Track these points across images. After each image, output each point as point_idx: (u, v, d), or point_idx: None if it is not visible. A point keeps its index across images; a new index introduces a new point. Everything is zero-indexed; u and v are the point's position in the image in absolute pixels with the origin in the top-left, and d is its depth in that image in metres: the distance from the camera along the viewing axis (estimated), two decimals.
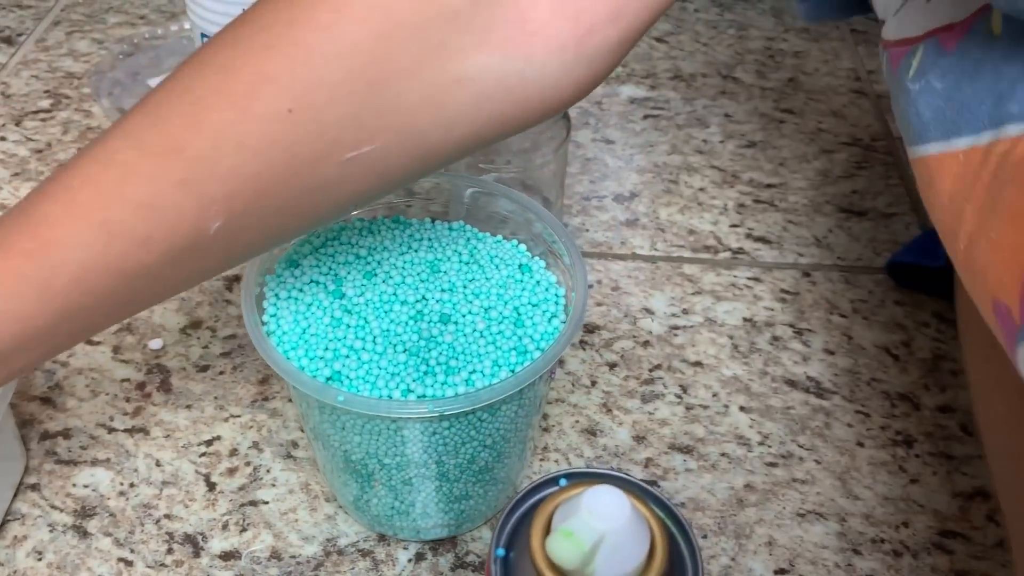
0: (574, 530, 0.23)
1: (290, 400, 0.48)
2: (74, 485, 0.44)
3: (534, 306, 0.39)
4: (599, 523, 0.23)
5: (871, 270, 0.56)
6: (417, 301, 0.38)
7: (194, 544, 0.42)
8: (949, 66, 0.34)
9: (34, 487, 0.43)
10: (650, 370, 0.50)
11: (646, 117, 0.68)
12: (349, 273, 0.39)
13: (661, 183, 0.63)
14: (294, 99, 0.29)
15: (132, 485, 0.44)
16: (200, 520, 0.43)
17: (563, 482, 0.27)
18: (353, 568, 0.41)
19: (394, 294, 0.38)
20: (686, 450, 0.46)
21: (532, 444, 0.42)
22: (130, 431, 0.46)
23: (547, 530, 0.26)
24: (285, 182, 0.30)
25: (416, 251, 0.41)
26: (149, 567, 0.41)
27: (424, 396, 0.34)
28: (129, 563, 0.41)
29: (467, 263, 0.40)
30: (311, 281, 0.39)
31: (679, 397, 0.49)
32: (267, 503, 0.43)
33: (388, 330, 0.37)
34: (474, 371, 0.36)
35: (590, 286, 0.55)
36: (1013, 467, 0.37)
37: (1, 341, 0.31)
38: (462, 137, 0.32)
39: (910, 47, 0.37)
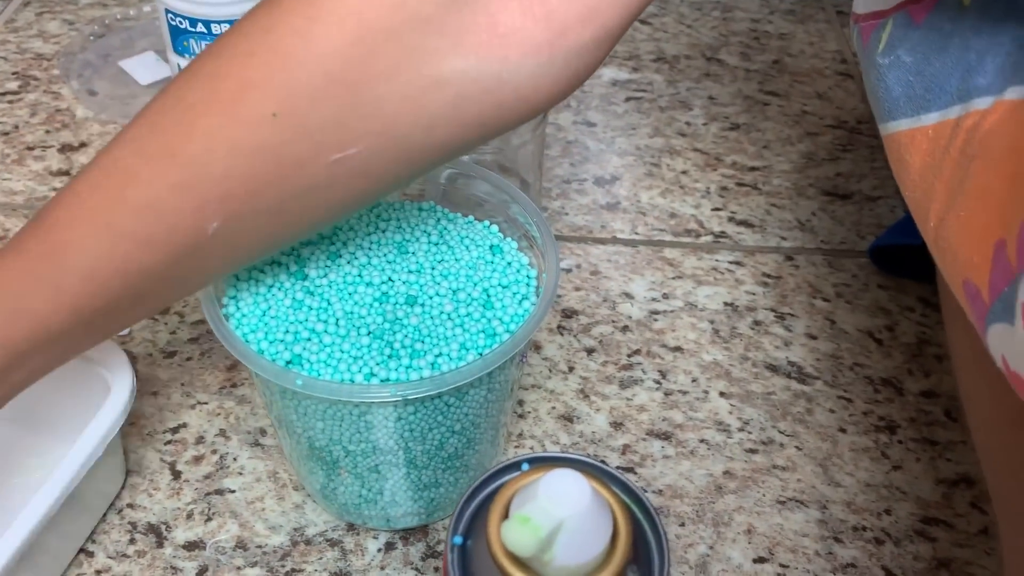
0: (531, 516, 0.22)
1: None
2: None
3: (504, 288, 0.37)
4: (557, 509, 0.22)
5: (855, 253, 0.55)
6: (383, 283, 0.37)
7: (157, 534, 0.40)
8: (918, 39, 0.33)
9: None
10: (629, 355, 0.49)
11: (628, 99, 0.67)
12: (313, 254, 0.38)
13: (643, 166, 0.61)
14: (278, 104, 0.30)
15: None
16: (164, 510, 0.41)
17: (525, 466, 0.26)
18: (321, 558, 0.40)
19: (359, 275, 0.37)
20: (664, 436, 0.45)
21: (505, 430, 0.41)
22: None
23: (505, 516, 0.25)
24: (275, 184, 0.31)
25: (384, 231, 0.39)
26: (110, 557, 0.39)
27: (388, 380, 0.33)
28: (90, 554, 0.40)
29: (436, 244, 0.39)
30: (272, 262, 0.37)
31: (658, 383, 0.48)
32: (233, 492, 0.42)
33: (351, 312, 0.36)
34: (440, 354, 0.35)
35: (569, 270, 0.54)
36: (997, 447, 0.36)
37: (19, 341, 0.32)
38: (445, 139, 0.33)
39: (880, 20, 0.36)
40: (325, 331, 0.35)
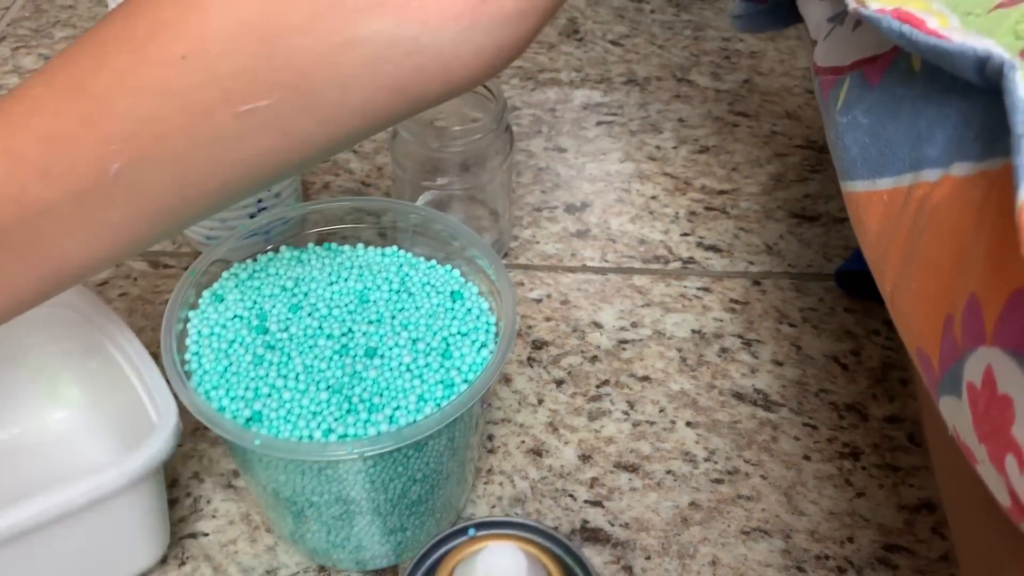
0: None
1: None
2: None
3: (463, 335, 0.38)
4: None
5: (821, 277, 0.56)
6: (343, 334, 0.38)
7: None
8: (873, 101, 0.34)
9: None
10: (597, 386, 0.50)
11: (599, 124, 0.68)
12: (274, 307, 0.38)
13: (613, 192, 0.62)
14: (188, 46, 0.30)
15: None
16: None
17: (472, 531, 0.27)
18: None
19: (319, 327, 0.38)
20: (631, 468, 0.46)
21: (473, 467, 0.42)
22: None
23: None
24: (180, 129, 0.31)
25: (345, 280, 0.40)
26: None
27: (346, 436, 0.34)
28: None
29: (397, 292, 0.40)
30: (234, 316, 0.38)
31: (626, 414, 0.48)
32: (207, 535, 0.43)
33: (311, 366, 0.36)
34: (399, 407, 0.35)
35: (539, 300, 0.54)
36: (956, 474, 0.37)
37: None
38: (362, 102, 0.32)
39: (838, 77, 0.36)
40: (285, 387, 0.35)
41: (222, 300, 0.39)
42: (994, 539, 0.31)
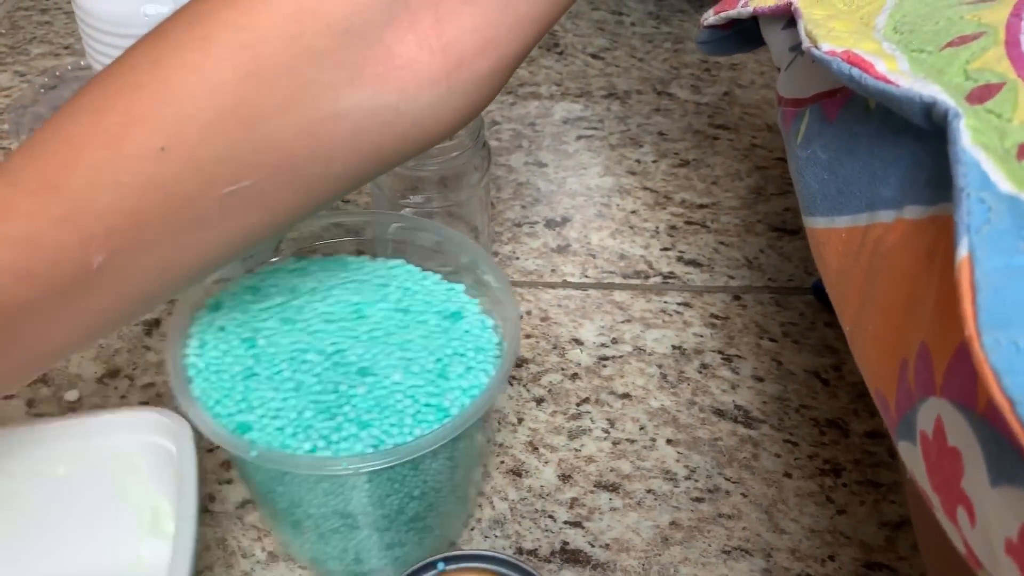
0: None
1: (209, 451, 0.47)
2: None
3: (461, 357, 0.38)
4: None
5: (802, 291, 0.56)
6: (335, 352, 0.38)
7: None
8: (832, 137, 0.33)
9: None
10: (577, 404, 0.49)
11: (579, 138, 0.68)
12: (269, 319, 0.39)
13: (593, 206, 0.62)
14: (166, 138, 0.29)
15: None
16: None
17: (441, 566, 0.26)
18: None
19: (312, 343, 0.38)
20: (612, 488, 0.45)
21: (476, 489, 0.42)
22: None
23: None
24: (164, 218, 0.30)
25: (345, 294, 0.40)
26: None
27: (339, 452, 0.34)
28: None
29: (395, 309, 0.40)
30: (229, 328, 0.38)
31: (606, 432, 0.48)
32: None
33: (301, 381, 0.36)
34: (393, 426, 0.35)
35: (520, 317, 0.54)
36: (922, 505, 0.37)
37: None
38: (344, 170, 0.32)
39: (799, 110, 0.36)
40: (273, 399, 0.35)
41: (219, 309, 0.39)
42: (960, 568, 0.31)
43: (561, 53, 0.77)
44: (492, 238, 0.59)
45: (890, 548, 0.43)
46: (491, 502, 0.45)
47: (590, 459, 0.47)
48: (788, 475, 0.46)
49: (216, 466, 0.46)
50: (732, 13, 0.45)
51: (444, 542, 0.41)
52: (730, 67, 0.76)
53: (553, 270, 0.57)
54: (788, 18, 0.39)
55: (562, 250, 0.59)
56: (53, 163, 0.30)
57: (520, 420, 0.49)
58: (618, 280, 0.57)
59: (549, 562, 0.42)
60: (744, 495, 0.45)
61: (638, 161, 0.66)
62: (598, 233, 0.60)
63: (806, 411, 0.49)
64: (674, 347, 0.52)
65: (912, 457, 0.26)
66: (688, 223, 0.61)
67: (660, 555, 0.43)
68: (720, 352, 0.52)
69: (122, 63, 0.31)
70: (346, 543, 0.38)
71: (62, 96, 0.70)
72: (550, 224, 0.61)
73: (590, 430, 0.48)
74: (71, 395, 0.49)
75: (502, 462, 0.46)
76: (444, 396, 0.36)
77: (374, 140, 0.32)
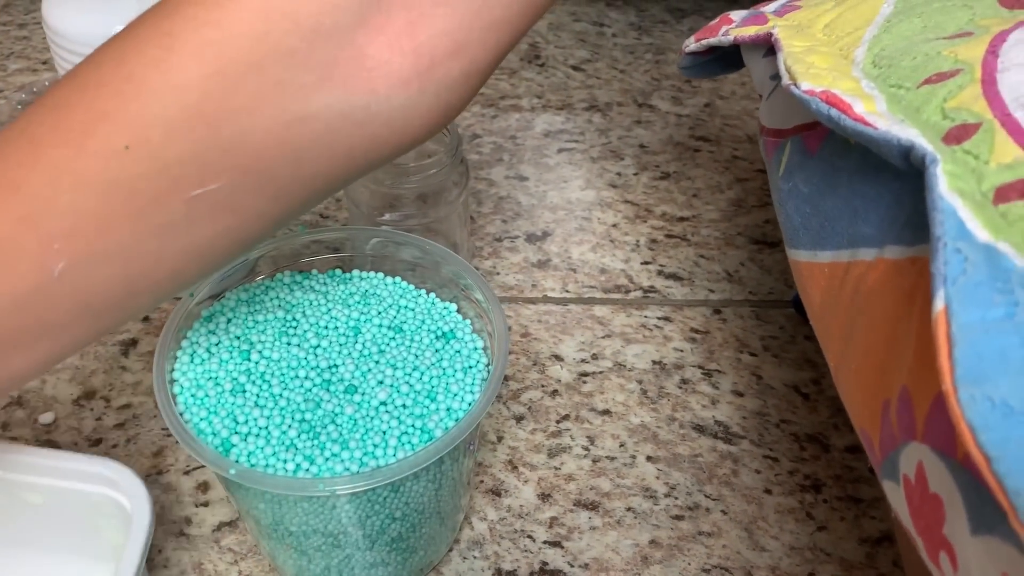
0: None
1: (185, 473, 0.46)
2: None
3: (451, 377, 0.38)
4: None
5: (782, 304, 0.56)
6: (326, 368, 0.37)
7: None
8: (813, 170, 0.33)
9: None
10: (557, 421, 0.49)
11: (560, 151, 0.68)
12: (264, 334, 0.38)
13: (574, 220, 0.62)
14: (130, 136, 0.28)
15: None
16: None
17: None
18: None
19: (305, 359, 0.38)
20: (591, 507, 0.45)
21: (463, 506, 0.42)
22: None
23: None
24: (129, 220, 0.29)
25: (341, 311, 0.40)
26: None
27: (320, 472, 0.34)
28: None
29: (389, 327, 0.39)
30: (221, 343, 0.38)
31: (586, 449, 0.48)
32: None
33: (288, 399, 0.36)
34: (377, 445, 0.35)
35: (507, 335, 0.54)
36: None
37: None
38: (314, 174, 0.32)
39: (780, 141, 0.36)
40: (261, 415, 0.35)
41: (211, 320, 0.39)
42: None
43: (542, 65, 0.77)
44: (473, 253, 0.59)
45: (871, 565, 0.43)
46: (470, 522, 0.44)
47: (570, 477, 0.46)
48: (768, 491, 0.46)
49: (193, 488, 0.45)
50: (713, 41, 0.46)
51: (428, 562, 0.41)
52: (711, 79, 0.76)
53: (534, 285, 0.57)
54: (768, 46, 0.39)
55: (543, 265, 0.58)
56: (14, 161, 0.29)
57: (500, 438, 0.48)
58: (599, 295, 0.57)
59: None
60: (724, 512, 0.45)
61: (619, 174, 0.66)
62: (579, 247, 0.60)
63: (786, 426, 0.49)
64: (654, 362, 0.52)
65: (896, 498, 0.26)
66: (668, 236, 0.61)
67: (640, 574, 0.42)
68: (700, 367, 0.52)
69: (89, 61, 0.30)
70: (328, 561, 0.38)
71: None
72: (531, 238, 0.60)
73: (570, 448, 0.48)
74: (45, 418, 0.48)
75: (481, 481, 0.46)
76: (429, 418, 0.36)
77: (344, 142, 0.31)
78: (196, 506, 0.45)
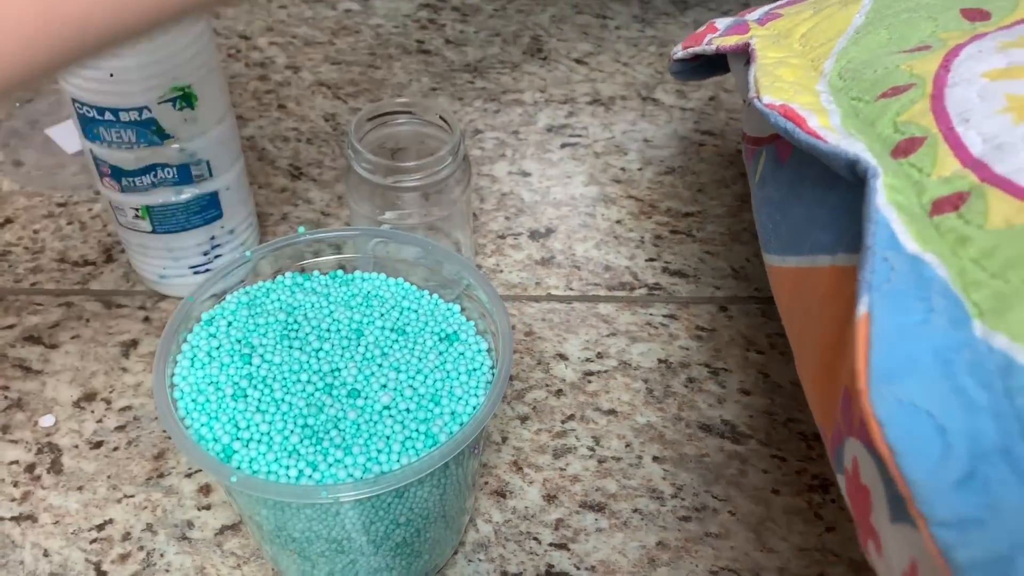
0: None
1: (187, 476, 0.46)
2: None
3: (454, 380, 0.37)
4: None
5: None
6: (329, 372, 0.37)
7: None
8: (783, 178, 0.35)
9: None
10: (563, 421, 0.49)
11: (564, 146, 0.67)
12: (266, 337, 0.38)
13: (578, 216, 0.61)
14: None
15: None
16: None
17: None
18: None
19: (307, 363, 0.37)
20: (598, 508, 0.45)
21: (469, 510, 0.42)
22: (17, 519, 0.44)
23: None
24: None
25: (343, 313, 0.39)
26: None
27: (323, 478, 0.33)
28: None
29: (392, 330, 0.39)
30: (222, 347, 0.37)
31: (592, 450, 0.47)
32: None
33: (291, 404, 0.36)
34: (380, 451, 0.34)
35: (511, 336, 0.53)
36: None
37: None
38: None
39: (757, 148, 0.38)
40: (263, 421, 0.35)
41: (211, 323, 0.39)
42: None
43: (545, 59, 0.76)
44: (475, 251, 0.58)
45: None
46: (475, 525, 0.44)
47: (575, 478, 0.46)
48: (776, 492, 0.45)
49: (195, 491, 0.45)
50: (698, 50, 0.48)
51: (433, 565, 0.41)
52: None
53: (537, 283, 0.57)
54: (748, 56, 0.41)
55: (546, 262, 0.58)
56: None
57: (504, 439, 0.48)
58: (603, 292, 0.56)
59: None
60: (732, 513, 0.44)
61: (623, 169, 0.65)
62: (583, 244, 0.59)
63: (793, 425, 0.48)
64: (660, 361, 0.52)
65: (844, 489, 0.28)
66: (674, 232, 0.60)
67: None
68: (707, 365, 0.52)
69: None
70: (332, 566, 0.38)
71: (38, 109, 0.69)
72: (534, 235, 0.60)
73: (575, 448, 0.47)
74: (46, 420, 0.48)
75: (486, 483, 0.46)
76: (434, 422, 0.36)
77: None
78: (198, 509, 0.44)
